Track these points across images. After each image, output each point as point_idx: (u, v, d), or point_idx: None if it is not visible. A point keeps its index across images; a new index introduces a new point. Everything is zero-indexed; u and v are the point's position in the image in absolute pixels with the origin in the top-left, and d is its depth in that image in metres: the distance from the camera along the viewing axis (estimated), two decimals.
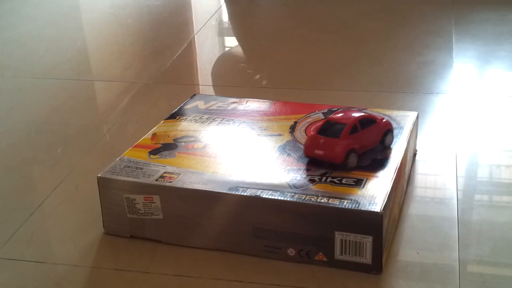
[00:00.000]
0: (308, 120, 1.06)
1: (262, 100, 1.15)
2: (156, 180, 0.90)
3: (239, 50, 1.74)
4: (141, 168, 0.93)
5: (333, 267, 0.85)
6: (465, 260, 0.86)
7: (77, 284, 0.84)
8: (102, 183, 0.92)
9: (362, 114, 0.98)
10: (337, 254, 0.85)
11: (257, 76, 1.50)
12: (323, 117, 1.07)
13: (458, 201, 0.98)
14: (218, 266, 0.87)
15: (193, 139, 1.02)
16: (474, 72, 1.46)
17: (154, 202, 0.90)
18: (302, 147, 0.98)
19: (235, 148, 0.99)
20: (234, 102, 1.15)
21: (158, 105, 1.37)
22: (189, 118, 1.09)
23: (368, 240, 0.83)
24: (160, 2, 2.10)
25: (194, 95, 1.20)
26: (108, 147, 1.21)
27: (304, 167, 0.92)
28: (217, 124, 1.06)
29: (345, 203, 0.83)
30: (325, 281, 0.83)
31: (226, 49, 1.78)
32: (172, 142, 1.01)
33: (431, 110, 1.28)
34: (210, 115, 1.10)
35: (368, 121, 0.97)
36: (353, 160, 0.93)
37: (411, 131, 1.03)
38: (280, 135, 1.02)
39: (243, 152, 0.98)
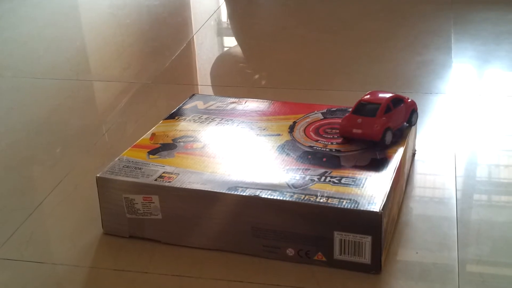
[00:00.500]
0: (307, 120, 1.06)
1: (261, 100, 1.15)
2: (155, 180, 0.90)
3: (238, 50, 1.74)
4: (140, 168, 0.93)
5: (332, 267, 0.85)
6: (464, 260, 0.86)
7: (76, 284, 0.84)
8: (101, 183, 0.92)
9: (392, 94, 1.01)
10: (336, 254, 0.85)
11: (256, 76, 1.50)
12: (322, 117, 1.07)
13: (457, 200, 0.98)
14: (217, 266, 0.87)
15: (192, 139, 1.02)
16: (473, 72, 1.46)
17: (153, 202, 0.90)
18: (302, 147, 0.98)
19: (234, 148, 0.99)
20: (233, 102, 1.15)
21: (157, 105, 1.37)
22: (188, 118, 1.09)
23: (367, 240, 0.83)
24: (159, 2, 2.10)
25: (193, 95, 1.20)
26: (107, 147, 1.21)
27: (303, 167, 0.92)
28: (216, 124, 1.06)
29: (344, 203, 0.83)
30: (324, 281, 0.83)
31: (225, 49, 1.78)
32: (171, 142, 1.01)
33: (430, 110, 1.28)
34: (209, 115, 1.10)
35: (398, 101, 1.01)
36: (389, 137, 0.97)
37: (410, 131, 1.03)
38: (279, 135, 1.02)
39: (242, 152, 0.98)
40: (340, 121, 1.03)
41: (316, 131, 1.03)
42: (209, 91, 1.46)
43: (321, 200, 0.84)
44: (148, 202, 0.90)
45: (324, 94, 1.38)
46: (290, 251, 0.87)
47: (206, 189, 0.88)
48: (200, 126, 1.06)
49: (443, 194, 1.01)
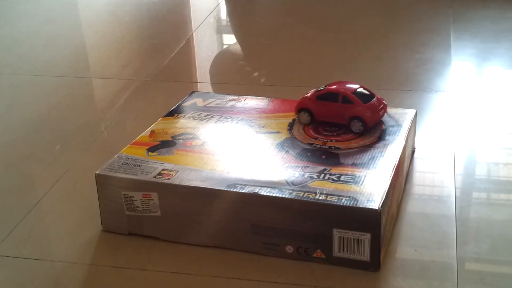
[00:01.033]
0: None
1: (261, 97, 1.15)
2: (154, 177, 0.90)
3: (238, 48, 1.74)
4: (139, 165, 0.93)
5: (331, 264, 0.85)
6: (463, 258, 0.86)
7: (75, 281, 0.84)
8: (100, 180, 0.92)
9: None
10: (335, 251, 0.85)
11: (256, 74, 1.50)
12: None
13: (456, 198, 0.99)
14: (216, 263, 0.87)
15: (191, 136, 1.02)
16: (472, 69, 1.46)
17: (152, 199, 0.90)
18: (301, 144, 0.98)
19: (233, 146, 0.99)
20: (232, 100, 1.15)
21: (156, 102, 1.37)
22: (187, 116, 1.09)
23: (366, 237, 0.83)
24: None
25: (193, 92, 1.20)
26: (107, 144, 1.21)
27: (302, 164, 0.92)
28: (216, 122, 1.06)
29: (343, 200, 0.83)
30: (323, 278, 0.83)
31: (225, 46, 1.78)
32: (170, 139, 1.01)
33: (429, 107, 1.28)
34: (209, 113, 1.10)
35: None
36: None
37: (410, 129, 1.03)
38: (278, 132, 1.02)
39: (241, 149, 0.98)
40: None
41: (315, 129, 1.03)
42: (208, 88, 1.46)
43: (320, 198, 0.84)
44: (147, 199, 0.90)
45: None
46: (289, 248, 0.87)
47: (205, 186, 0.88)
48: (200, 123, 1.06)
49: (442, 192, 1.01)
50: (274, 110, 1.10)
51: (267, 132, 1.02)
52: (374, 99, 1.03)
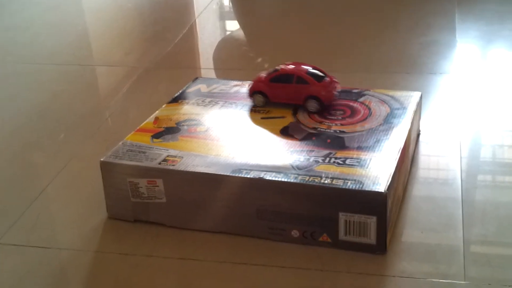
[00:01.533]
0: None
1: None
2: (159, 163, 0.90)
3: (241, 33, 1.73)
4: (144, 152, 0.93)
5: (338, 248, 0.85)
6: (469, 240, 0.85)
7: (81, 269, 0.85)
8: (105, 167, 0.92)
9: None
10: (341, 235, 0.85)
11: (259, 59, 1.49)
12: None
13: (462, 181, 0.98)
14: (222, 249, 0.87)
15: (195, 122, 1.02)
16: (477, 52, 1.45)
17: (158, 186, 0.90)
18: (306, 129, 0.97)
19: (238, 131, 0.99)
20: (236, 85, 1.14)
21: (159, 89, 1.37)
22: (191, 102, 1.08)
23: (372, 221, 0.82)
24: None
25: (196, 78, 1.19)
26: (111, 131, 1.20)
27: (307, 149, 0.92)
28: (220, 107, 1.06)
29: (349, 184, 0.83)
30: (329, 262, 0.83)
31: (228, 32, 1.78)
32: (175, 125, 1.01)
33: (435, 90, 1.27)
34: (213, 98, 1.09)
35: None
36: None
37: (415, 112, 1.03)
38: (283, 117, 1.02)
39: (246, 134, 0.98)
40: (344, 102, 1.03)
41: (321, 113, 1.02)
42: (212, 74, 1.45)
43: (326, 181, 0.84)
44: (153, 186, 0.90)
45: None
46: (295, 233, 0.87)
47: (210, 172, 0.88)
48: (204, 109, 1.06)
49: (448, 175, 1.00)
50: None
51: (272, 117, 1.02)
52: (327, 78, 1.05)
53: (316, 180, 0.84)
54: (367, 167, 0.86)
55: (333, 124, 0.99)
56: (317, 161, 0.88)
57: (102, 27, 1.78)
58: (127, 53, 1.58)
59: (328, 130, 0.97)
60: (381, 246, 0.84)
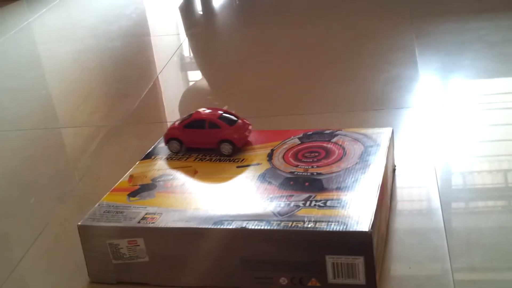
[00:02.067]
0: (284, 146, 1.06)
1: None
2: (139, 222, 0.88)
3: (205, 83, 1.73)
4: (121, 212, 0.92)
5: None
6: (458, 270, 0.85)
7: None
8: (83, 231, 0.90)
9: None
10: (330, 278, 0.84)
11: (225, 107, 1.49)
12: (299, 142, 1.07)
13: (443, 211, 0.98)
14: None
15: (171, 177, 1.00)
16: (441, 83, 1.47)
17: (139, 245, 0.88)
18: (283, 174, 0.97)
19: (215, 182, 0.98)
20: None
21: (129, 146, 1.36)
22: (164, 157, 1.07)
23: (359, 261, 0.82)
24: (121, 43, 2.09)
25: None
26: (84, 193, 1.18)
27: (286, 194, 0.91)
28: (194, 160, 1.05)
29: (332, 226, 0.82)
30: None
31: (191, 83, 1.78)
32: (150, 182, 0.99)
33: (404, 124, 1.28)
34: (186, 152, 1.08)
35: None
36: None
37: (388, 147, 1.03)
38: (258, 164, 1.01)
39: (223, 185, 0.97)
40: (318, 144, 1.04)
41: (295, 156, 1.02)
42: None
43: (309, 225, 0.83)
44: (134, 246, 0.88)
45: (297, 119, 1.37)
46: (283, 280, 0.85)
47: (191, 226, 0.86)
48: (178, 163, 1.05)
49: (429, 206, 1.01)
50: (251, 143, 1.09)
51: (247, 165, 1.01)
52: (239, 121, 1.08)
53: (299, 225, 0.83)
54: (348, 207, 0.86)
55: (310, 167, 0.98)
56: (298, 206, 0.88)
57: (65, 89, 1.77)
58: (93, 112, 1.56)
59: (305, 173, 0.97)
60: (371, 286, 0.83)
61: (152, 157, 1.08)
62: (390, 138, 1.06)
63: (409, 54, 1.63)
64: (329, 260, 0.83)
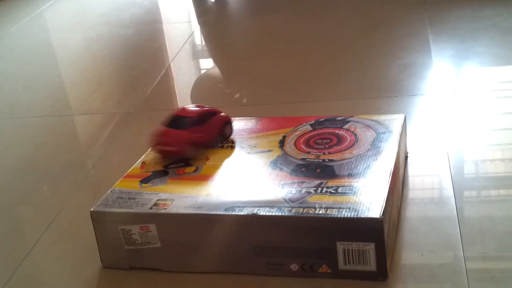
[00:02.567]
0: (296, 133, 1.05)
1: (248, 117, 1.14)
2: (150, 208, 0.89)
3: (216, 71, 1.73)
4: (134, 198, 0.92)
5: (338, 278, 0.84)
6: (470, 258, 0.85)
7: None
8: (96, 216, 0.91)
9: (203, 108, 1.05)
10: (341, 265, 0.84)
11: (237, 95, 1.49)
12: (311, 129, 1.06)
13: (456, 199, 0.98)
14: None
15: (183, 163, 1.01)
16: (454, 70, 1.46)
17: (151, 231, 0.89)
18: (294, 160, 0.97)
19: (227, 168, 0.98)
20: None
21: (141, 133, 1.36)
22: None
23: (370, 247, 0.82)
24: (133, 30, 2.09)
25: None
26: (97, 180, 1.19)
27: (298, 180, 0.91)
28: (206, 146, 1.05)
29: (343, 212, 0.82)
30: None
31: (203, 71, 1.78)
32: (162, 168, 1.00)
33: (417, 111, 1.28)
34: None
35: (209, 114, 1.05)
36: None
37: (401, 134, 1.03)
38: (270, 150, 1.01)
39: (235, 171, 0.97)
40: (330, 130, 1.03)
41: (307, 143, 1.02)
42: None
43: (320, 212, 0.83)
44: (146, 232, 0.89)
45: (309, 106, 1.37)
46: (294, 266, 0.85)
47: (203, 212, 0.87)
48: None
49: (441, 194, 1.00)
50: (263, 129, 1.09)
51: (259, 152, 1.01)
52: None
53: (310, 212, 0.83)
54: (360, 194, 0.86)
55: (321, 153, 0.98)
56: (309, 192, 0.88)
57: (78, 76, 1.77)
58: (105, 100, 1.57)
59: (317, 160, 0.96)
60: (382, 272, 0.83)
61: None
62: (402, 125, 1.05)
63: (422, 41, 1.62)
64: (340, 246, 0.82)
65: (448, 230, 0.91)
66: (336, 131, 1.04)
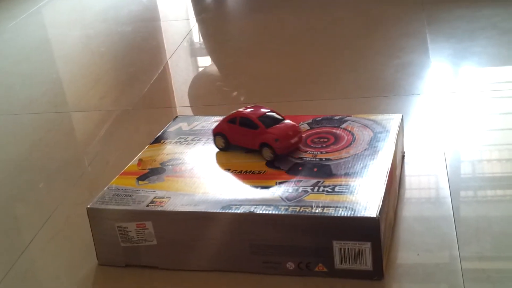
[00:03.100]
0: None
1: None
2: (147, 205, 0.89)
3: (214, 69, 1.73)
4: (130, 195, 0.92)
5: (335, 277, 0.84)
6: (466, 258, 0.85)
7: None
8: (92, 213, 0.91)
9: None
10: (337, 263, 0.84)
11: (235, 93, 1.49)
12: (309, 127, 1.06)
13: (452, 199, 0.98)
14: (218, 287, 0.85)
15: (180, 161, 1.01)
16: (452, 70, 1.46)
17: (147, 228, 0.88)
18: (291, 159, 0.97)
19: (223, 167, 0.98)
20: (216, 121, 1.14)
21: (139, 130, 1.36)
22: (174, 141, 1.07)
23: (367, 246, 0.82)
24: (131, 28, 2.09)
25: (177, 117, 1.18)
26: (94, 177, 1.19)
27: (295, 179, 0.91)
28: (203, 144, 1.05)
29: (340, 211, 0.82)
30: None
31: (201, 69, 1.77)
32: (159, 166, 1.00)
33: (414, 111, 1.28)
34: (195, 136, 1.08)
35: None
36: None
37: (398, 134, 1.03)
38: None
39: (232, 169, 0.97)
40: (327, 129, 1.03)
41: (304, 142, 1.02)
42: (189, 112, 1.44)
43: (317, 211, 0.83)
44: (142, 229, 0.89)
45: (307, 105, 1.37)
46: (290, 265, 0.85)
47: (199, 210, 0.87)
48: (187, 147, 1.05)
49: (437, 194, 1.00)
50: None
51: (256, 150, 1.01)
52: (282, 123, 1.00)
53: (307, 210, 0.83)
54: (356, 193, 0.86)
55: (318, 153, 0.98)
56: (306, 191, 0.88)
57: (75, 73, 1.77)
58: (102, 97, 1.57)
59: (314, 159, 0.96)
60: (378, 272, 0.83)
61: (162, 141, 1.08)
62: (399, 125, 1.05)
63: (420, 41, 1.63)
64: (336, 245, 0.83)
65: (444, 229, 0.91)
66: (334, 130, 1.05)
